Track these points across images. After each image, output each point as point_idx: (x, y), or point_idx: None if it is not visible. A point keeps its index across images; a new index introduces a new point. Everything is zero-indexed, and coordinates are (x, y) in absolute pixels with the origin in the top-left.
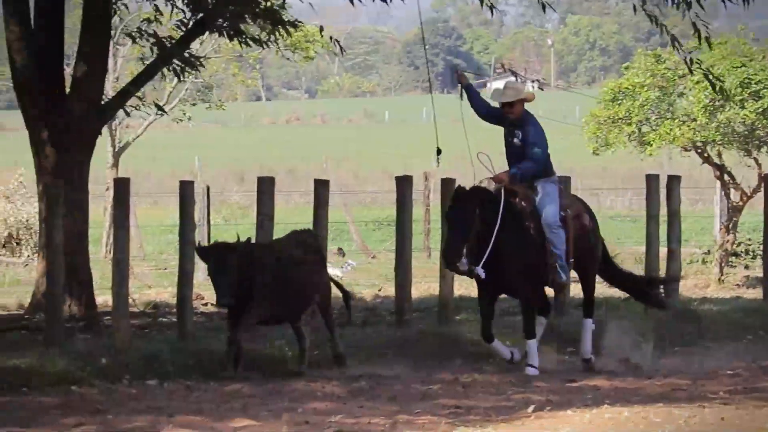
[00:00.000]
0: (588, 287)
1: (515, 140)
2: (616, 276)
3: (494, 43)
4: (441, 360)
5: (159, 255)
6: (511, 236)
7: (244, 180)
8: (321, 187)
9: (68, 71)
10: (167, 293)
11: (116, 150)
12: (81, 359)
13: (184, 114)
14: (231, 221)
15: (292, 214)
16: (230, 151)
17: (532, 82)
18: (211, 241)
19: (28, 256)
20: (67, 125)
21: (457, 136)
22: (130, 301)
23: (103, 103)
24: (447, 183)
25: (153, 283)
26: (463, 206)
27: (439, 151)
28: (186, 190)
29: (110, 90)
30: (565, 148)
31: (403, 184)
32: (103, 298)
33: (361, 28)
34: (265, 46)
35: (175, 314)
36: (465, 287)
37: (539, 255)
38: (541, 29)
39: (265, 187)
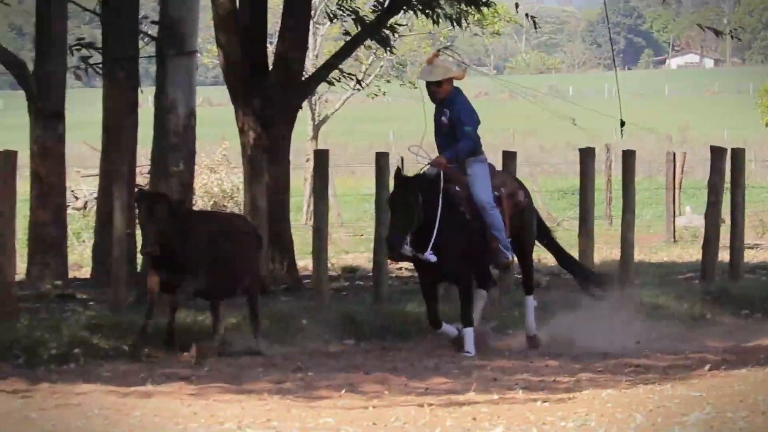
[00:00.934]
0: (526, 264)
1: (443, 119)
2: (554, 250)
3: (672, 22)
4: (622, 321)
5: (356, 222)
6: (449, 222)
7: (435, 152)
8: (509, 159)
9: (271, 49)
10: (363, 258)
11: (316, 123)
12: (283, 320)
13: (380, 89)
14: None
15: None
16: (423, 125)
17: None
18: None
19: None
20: (269, 100)
21: (639, 110)
22: (329, 265)
23: (303, 79)
24: (628, 155)
25: (350, 249)
26: (406, 191)
27: (622, 123)
28: (382, 161)
29: (310, 67)
30: (739, 123)
31: (586, 155)
32: (304, 262)
33: (546, 8)
34: (455, 24)
35: (371, 278)
36: (644, 253)
37: (478, 240)
38: (717, 9)
39: None
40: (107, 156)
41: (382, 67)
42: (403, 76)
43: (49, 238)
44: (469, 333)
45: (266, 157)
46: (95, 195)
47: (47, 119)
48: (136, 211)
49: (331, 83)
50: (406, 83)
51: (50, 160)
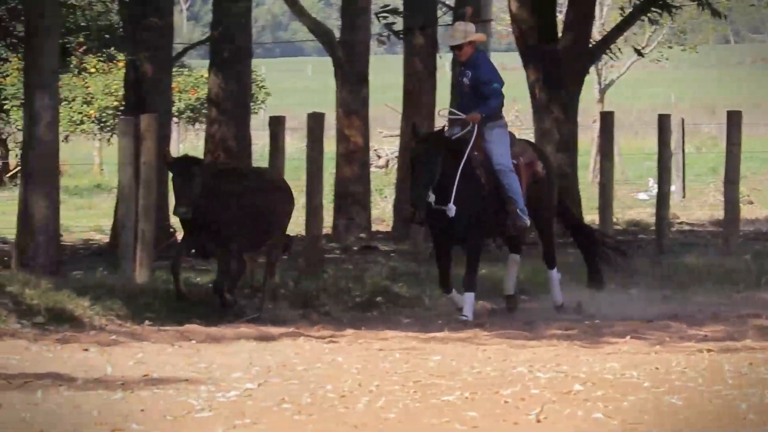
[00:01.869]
0: (546, 237)
1: (465, 80)
2: (573, 227)
3: None
4: None
5: (639, 180)
6: (465, 183)
7: (714, 113)
8: (734, 117)
9: (560, 18)
10: (646, 213)
11: (602, 87)
12: (569, 270)
13: (662, 55)
14: (702, 150)
15: (757, 144)
16: (702, 89)
17: None
18: None
19: None
20: (558, 65)
21: None
22: (614, 219)
23: (590, 45)
24: None
25: (632, 204)
26: (428, 148)
27: None
28: (663, 122)
29: (596, 34)
30: None
31: None
32: (591, 216)
33: None
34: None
35: (653, 232)
36: None
37: (493, 205)
38: None
39: (734, 119)
40: (407, 117)
41: (664, 34)
42: (684, 42)
43: (354, 194)
44: (469, 298)
45: (555, 118)
46: (396, 154)
47: (352, 84)
48: (170, 175)
49: (612, 57)
50: (687, 49)
51: (355, 122)
